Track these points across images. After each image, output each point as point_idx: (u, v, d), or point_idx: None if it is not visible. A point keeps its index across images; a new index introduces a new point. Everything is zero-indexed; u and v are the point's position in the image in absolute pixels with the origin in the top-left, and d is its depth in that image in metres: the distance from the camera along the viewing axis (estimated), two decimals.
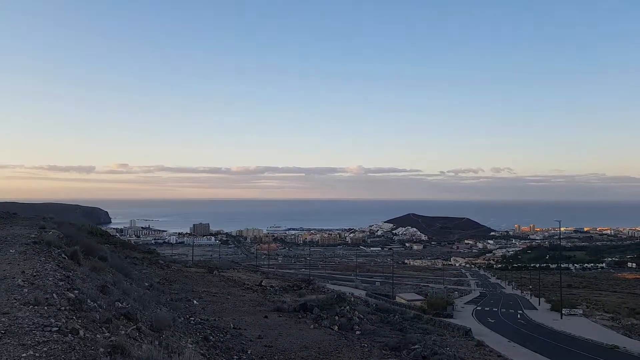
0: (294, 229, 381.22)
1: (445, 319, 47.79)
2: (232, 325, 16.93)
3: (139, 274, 23.06)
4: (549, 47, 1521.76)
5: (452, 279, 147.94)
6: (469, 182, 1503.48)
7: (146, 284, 19.62)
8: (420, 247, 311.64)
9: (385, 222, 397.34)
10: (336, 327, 19.97)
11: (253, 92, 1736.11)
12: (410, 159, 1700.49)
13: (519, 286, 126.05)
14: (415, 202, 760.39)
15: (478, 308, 73.86)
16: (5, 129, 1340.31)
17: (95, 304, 9.00)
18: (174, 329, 10.80)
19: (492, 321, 56.25)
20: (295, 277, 63.84)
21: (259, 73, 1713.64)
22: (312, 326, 19.29)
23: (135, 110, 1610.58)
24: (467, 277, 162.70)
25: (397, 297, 77.37)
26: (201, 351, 10.34)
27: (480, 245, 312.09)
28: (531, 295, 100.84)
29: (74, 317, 7.67)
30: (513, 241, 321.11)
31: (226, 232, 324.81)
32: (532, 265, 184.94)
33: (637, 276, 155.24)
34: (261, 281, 35.44)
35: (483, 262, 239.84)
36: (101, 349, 6.67)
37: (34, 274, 10.13)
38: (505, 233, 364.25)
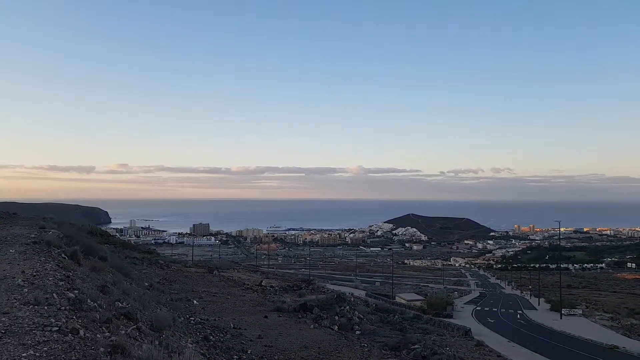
0: (294, 229, 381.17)
1: (445, 319, 47.79)
2: (232, 325, 16.94)
3: (139, 274, 23.07)
4: (549, 47, 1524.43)
5: (451, 279, 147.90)
6: (469, 182, 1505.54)
7: (146, 284, 19.63)
8: (420, 247, 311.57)
9: (385, 222, 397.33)
10: (336, 327, 19.99)
11: (253, 92, 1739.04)
12: (410, 159, 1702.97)
13: (519, 286, 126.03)
14: (415, 203, 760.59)
15: (478, 308, 73.84)
16: (5, 129, 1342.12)
17: (95, 304, 9.01)
18: (174, 329, 10.80)
19: (492, 321, 56.24)
20: (295, 277, 63.84)
21: (259, 73, 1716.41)
22: (312, 326, 19.30)
23: (135, 110, 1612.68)
24: (466, 277, 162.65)
25: (397, 297, 77.35)
26: (201, 351, 10.35)
27: (480, 245, 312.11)
28: (531, 295, 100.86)
29: (74, 317, 7.67)
30: (513, 241, 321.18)
31: (226, 232, 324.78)
32: (531, 265, 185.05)
33: (637, 276, 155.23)
34: (261, 281, 35.46)
35: (483, 262, 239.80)
36: (101, 349, 6.68)
37: (34, 273, 10.14)
38: (505, 233, 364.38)
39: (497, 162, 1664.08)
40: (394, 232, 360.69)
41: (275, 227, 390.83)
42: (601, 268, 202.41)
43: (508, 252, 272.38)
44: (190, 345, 9.88)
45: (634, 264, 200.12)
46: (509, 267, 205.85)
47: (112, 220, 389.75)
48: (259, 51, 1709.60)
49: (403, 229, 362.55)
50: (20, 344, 6.23)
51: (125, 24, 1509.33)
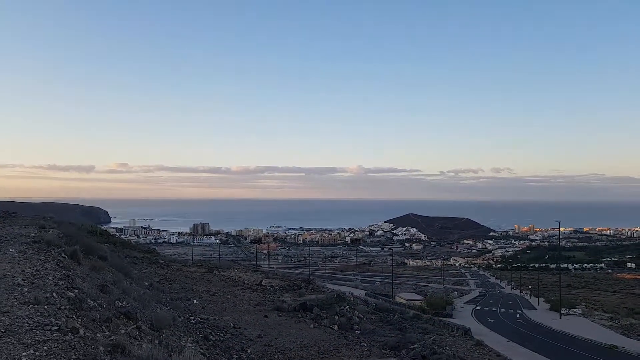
0: (293, 229, 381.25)
1: (444, 319, 47.78)
2: (232, 324, 16.94)
3: (139, 274, 23.07)
4: (549, 47, 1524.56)
5: (451, 278, 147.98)
6: (468, 182, 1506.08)
7: (146, 284, 19.63)
8: (420, 247, 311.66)
9: (385, 222, 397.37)
10: (336, 327, 20.00)
11: (253, 92, 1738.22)
12: (410, 159, 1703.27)
13: (518, 286, 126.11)
14: (415, 202, 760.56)
15: (477, 308, 73.89)
16: (5, 128, 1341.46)
17: (95, 303, 9.01)
18: (174, 328, 10.81)
19: (492, 321, 56.28)
20: (295, 276, 63.86)
21: (259, 73, 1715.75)
22: (311, 325, 19.32)
23: (135, 110, 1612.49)
24: (466, 277, 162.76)
25: (396, 297, 77.38)
26: (201, 350, 10.36)
27: (479, 245, 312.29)
28: (530, 295, 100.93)
29: (74, 316, 7.68)
30: (512, 241, 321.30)
31: (226, 232, 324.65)
32: (531, 265, 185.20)
33: (636, 276, 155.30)
34: (261, 281, 35.46)
35: (482, 262, 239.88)
36: (101, 348, 6.68)
37: (34, 273, 10.14)
38: (505, 233, 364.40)
39: (497, 162, 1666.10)
40: (393, 231, 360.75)
41: (275, 227, 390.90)
42: (601, 268, 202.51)
43: (508, 252, 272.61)
44: (190, 345, 9.88)
45: (633, 264, 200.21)
46: (509, 267, 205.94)
47: (111, 220, 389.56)
48: (259, 51, 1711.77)
49: (403, 229, 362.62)
50: (20, 343, 6.23)
51: (125, 24, 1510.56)
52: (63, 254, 13.44)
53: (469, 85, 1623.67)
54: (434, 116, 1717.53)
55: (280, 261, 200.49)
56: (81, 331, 7.03)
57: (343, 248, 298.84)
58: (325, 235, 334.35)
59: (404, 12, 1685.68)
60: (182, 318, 14.06)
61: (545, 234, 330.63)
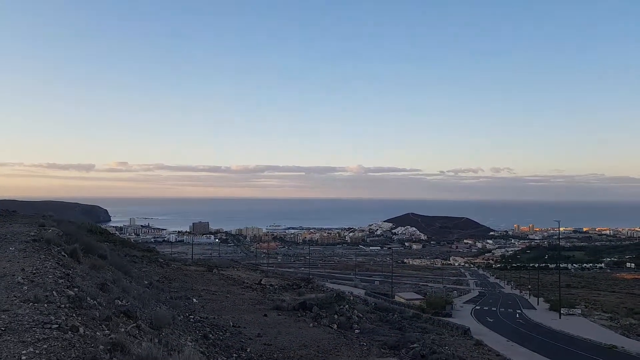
0: (293, 228, 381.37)
1: (444, 318, 47.83)
2: (231, 323, 16.95)
3: (139, 272, 23.07)
4: (549, 47, 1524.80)
5: (451, 278, 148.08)
6: (468, 182, 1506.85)
7: (146, 282, 19.64)
8: (420, 246, 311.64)
9: (384, 221, 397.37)
10: (335, 326, 20.02)
11: (253, 92, 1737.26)
12: (410, 159, 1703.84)
13: (518, 286, 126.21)
14: (414, 202, 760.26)
15: (477, 307, 73.88)
16: (5, 127, 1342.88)
17: (95, 302, 9.01)
18: (173, 327, 10.82)
19: (491, 320, 56.29)
20: (295, 275, 63.85)
21: (259, 73, 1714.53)
22: (311, 325, 19.33)
23: (135, 109, 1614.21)
24: (466, 277, 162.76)
25: (396, 296, 77.37)
26: (200, 349, 10.37)
27: (479, 244, 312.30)
28: (530, 294, 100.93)
29: (74, 315, 7.68)
30: (512, 241, 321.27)
31: (226, 231, 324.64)
32: (531, 265, 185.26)
33: (636, 276, 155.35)
34: (260, 280, 35.47)
35: (482, 261, 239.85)
36: (101, 346, 6.69)
37: (34, 271, 10.14)
38: (505, 233, 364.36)
39: (497, 161, 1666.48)
40: (393, 231, 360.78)
41: (275, 226, 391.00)
42: (600, 268, 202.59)
43: (507, 251, 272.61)
44: (190, 344, 9.89)
45: (633, 264, 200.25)
46: (508, 267, 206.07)
47: (111, 219, 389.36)
48: (259, 51, 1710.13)
49: (402, 228, 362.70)
50: (20, 342, 6.24)
51: (125, 24, 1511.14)
52: (63, 253, 13.44)
53: (469, 85, 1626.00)
54: (433, 116, 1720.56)
55: (279, 260, 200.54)
56: (81, 329, 7.04)
57: (343, 247, 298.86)
58: (325, 234, 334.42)
59: (404, 12, 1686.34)
60: (182, 317, 14.07)
61: (545, 233, 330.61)
